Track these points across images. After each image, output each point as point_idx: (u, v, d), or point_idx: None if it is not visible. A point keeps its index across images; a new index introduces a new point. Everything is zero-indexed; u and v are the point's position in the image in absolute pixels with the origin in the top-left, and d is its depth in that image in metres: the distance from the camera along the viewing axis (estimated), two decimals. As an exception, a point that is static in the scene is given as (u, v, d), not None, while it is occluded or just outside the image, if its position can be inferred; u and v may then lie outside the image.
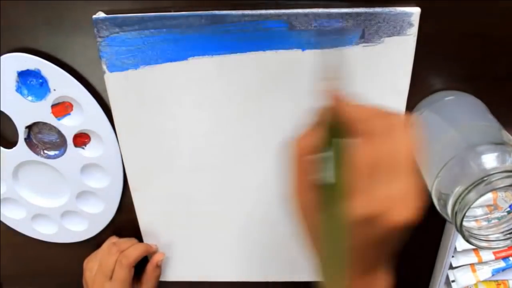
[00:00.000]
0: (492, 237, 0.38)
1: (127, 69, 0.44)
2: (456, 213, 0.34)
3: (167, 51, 0.43)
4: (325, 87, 0.31)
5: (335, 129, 0.30)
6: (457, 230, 0.35)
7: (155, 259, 0.55)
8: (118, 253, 0.52)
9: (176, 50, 0.43)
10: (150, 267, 0.55)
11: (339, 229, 0.28)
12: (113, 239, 0.56)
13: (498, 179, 0.33)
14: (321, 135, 0.30)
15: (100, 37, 0.42)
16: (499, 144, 0.35)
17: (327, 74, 0.31)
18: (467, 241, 0.37)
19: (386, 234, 0.27)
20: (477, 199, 0.33)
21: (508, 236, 0.38)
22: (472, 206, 0.34)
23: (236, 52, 0.43)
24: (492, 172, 0.33)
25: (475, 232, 0.38)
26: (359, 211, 0.26)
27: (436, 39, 0.42)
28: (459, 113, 0.42)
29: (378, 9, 0.40)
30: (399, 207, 0.26)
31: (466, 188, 0.34)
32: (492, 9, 0.40)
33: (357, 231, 0.28)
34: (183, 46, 0.43)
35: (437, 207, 0.38)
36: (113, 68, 0.44)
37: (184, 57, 0.43)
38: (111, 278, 0.52)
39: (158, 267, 0.56)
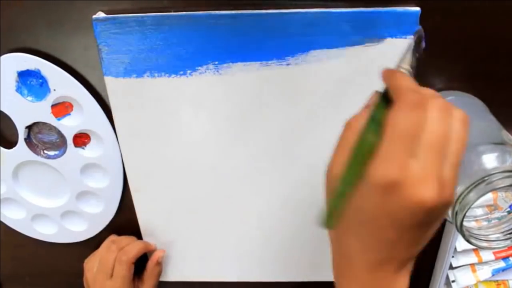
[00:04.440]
0: (492, 237, 0.38)
1: (127, 69, 0.44)
2: (456, 213, 0.34)
3: (167, 53, 0.43)
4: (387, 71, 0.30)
5: (384, 97, 0.29)
6: (457, 230, 0.35)
7: (155, 255, 0.55)
8: (118, 251, 0.53)
9: (177, 53, 0.43)
10: (150, 264, 0.55)
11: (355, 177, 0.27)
12: (112, 237, 0.56)
13: (499, 179, 0.33)
14: (371, 106, 0.29)
15: (100, 37, 0.42)
16: (499, 144, 0.35)
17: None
18: (467, 241, 0.37)
19: (406, 213, 0.25)
20: (477, 199, 0.33)
21: (508, 236, 0.38)
22: (472, 206, 0.34)
23: (236, 61, 0.43)
24: (492, 172, 0.33)
25: (475, 232, 0.38)
26: (379, 175, 0.25)
27: (436, 39, 0.42)
28: (459, 113, 0.42)
29: (378, 9, 0.40)
30: (423, 184, 0.25)
31: (467, 188, 0.34)
32: (492, 9, 0.40)
33: (376, 199, 0.26)
34: (184, 49, 0.43)
35: (437, 207, 0.38)
36: (113, 69, 0.44)
37: (186, 61, 0.43)
38: (111, 276, 0.52)
39: (159, 264, 0.56)
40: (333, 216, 0.26)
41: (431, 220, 0.27)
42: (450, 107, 0.27)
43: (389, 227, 0.27)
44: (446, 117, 0.26)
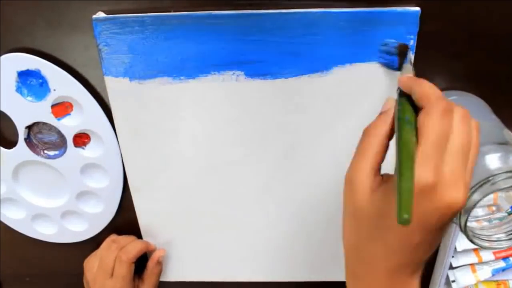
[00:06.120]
0: (494, 238, 0.38)
1: (127, 69, 0.44)
2: (460, 213, 0.34)
3: (167, 53, 0.43)
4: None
5: (407, 102, 0.30)
6: (461, 231, 0.35)
7: (156, 255, 0.55)
8: (118, 250, 0.53)
9: (177, 53, 0.43)
10: (151, 264, 0.55)
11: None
12: (112, 237, 0.56)
13: (502, 179, 0.33)
14: (398, 109, 0.30)
15: (100, 37, 0.42)
16: (502, 144, 0.35)
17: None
18: (471, 241, 0.37)
19: (436, 215, 0.27)
20: (481, 199, 0.33)
21: (511, 236, 0.38)
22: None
23: (237, 61, 0.43)
24: (496, 173, 0.33)
25: (478, 232, 0.38)
26: (422, 178, 0.26)
27: (437, 39, 0.42)
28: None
29: (378, 9, 0.40)
30: (454, 188, 0.27)
31: (471, 189, 0.34)
32: (493, 8, 0.40)
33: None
34: (184, 49, 0.42)
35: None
36: (113, 69, 0.44)
37: (186, 61, 0.43)
38: (112, 275, 0.52)
39: (159, 263, 0.56)
40: (409, 212, 0.26)
41: (450, 221, 0.29)
42: (469, 115, 0.29)
43: (416, 231, 0.28)
44: (468, 125, 0.29)
